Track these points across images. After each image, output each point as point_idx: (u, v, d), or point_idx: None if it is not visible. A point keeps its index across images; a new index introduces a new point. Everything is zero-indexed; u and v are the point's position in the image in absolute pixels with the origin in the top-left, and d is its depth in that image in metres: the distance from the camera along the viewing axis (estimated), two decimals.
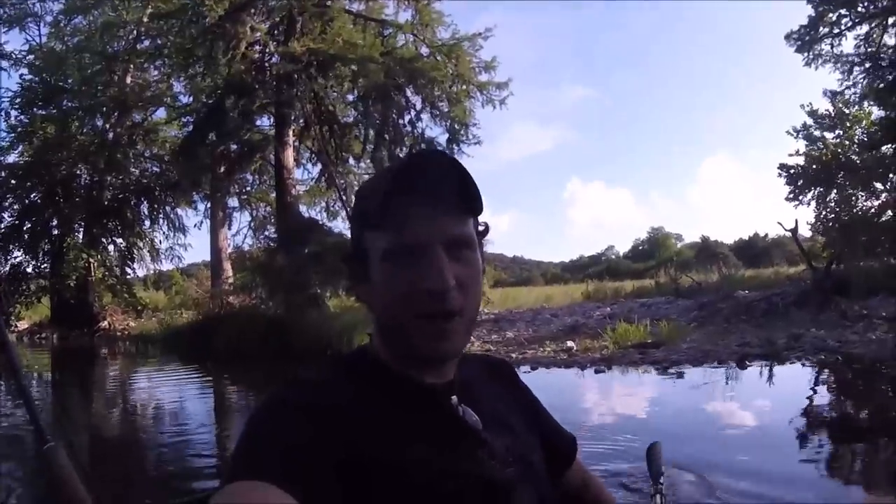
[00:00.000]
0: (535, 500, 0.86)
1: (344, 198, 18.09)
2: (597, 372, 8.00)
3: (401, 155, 15.64)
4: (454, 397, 0.87)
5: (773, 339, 8.86)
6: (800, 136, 17.59)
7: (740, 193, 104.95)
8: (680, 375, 7.56)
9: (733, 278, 16.75)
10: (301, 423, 0.73)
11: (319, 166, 19.09)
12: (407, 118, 16.44)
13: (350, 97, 17.69)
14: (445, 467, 0.78)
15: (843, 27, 18.55)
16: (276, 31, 16.68)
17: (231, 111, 16.01)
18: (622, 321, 10.42)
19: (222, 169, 18.39)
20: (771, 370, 7.43)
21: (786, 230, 14.01)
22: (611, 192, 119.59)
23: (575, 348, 9.59)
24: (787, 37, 19.06)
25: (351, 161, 18.95)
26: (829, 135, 17.25)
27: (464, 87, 16.55)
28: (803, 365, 7.60)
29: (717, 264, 22.30)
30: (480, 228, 0.88)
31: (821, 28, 18.67)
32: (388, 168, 0.91)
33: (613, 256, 57.02)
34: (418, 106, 16.44)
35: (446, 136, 16.48)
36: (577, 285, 24.37)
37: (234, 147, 18.10)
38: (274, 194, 18.33)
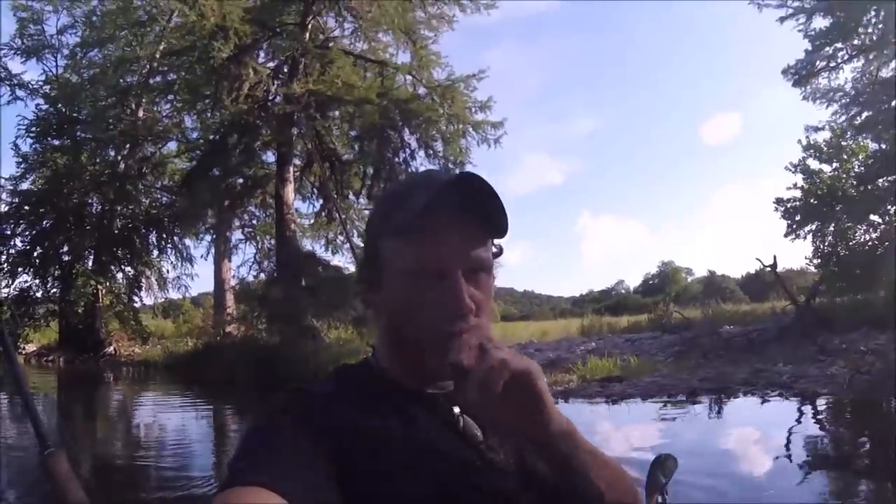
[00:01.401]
0: None
1: (345, 232, 18.50)
2: None
3: None
4: (456, 408, 0.87)
5: (735, 374, 9.06)
6: (797, 170, 17.70)
7: (751, 226, 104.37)
8: (672, 405, 7.83)
9: (721, 313, 16.81)
10: (298, 430, 0.75)
11: (322, 200, 19.57)
12: (402, 157, 16.82)
13: (352, 134, 18.10)
14: (444, 477, 0.79)
15: (839, 60, 18.69)
16: (280, 72, 17.30)
17: (234, 148, 16.55)
18: (592, 356, 10.67)
19: (227, 203, 18.90)
20: (720, 405, 7.66)
21: (764, 266, 14.13)
22: (622, 225, 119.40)
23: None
24: (785, 71, 19.21)
25: (351, 196, 19.38)
26: (826, 168, 17.30)
27: (459, 126, 16.88)
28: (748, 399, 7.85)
29: (717, 299, 22.39)
30: (494, 250, 0.89)
31: (817, 62, 18.82)
32: (419, 182, 0.90)
33: (623, 291, 56.57)
34: (413, 145, 16.85)
35: None
36: (575, 320, 24.26)
37: (239, 181, 18.69)
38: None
